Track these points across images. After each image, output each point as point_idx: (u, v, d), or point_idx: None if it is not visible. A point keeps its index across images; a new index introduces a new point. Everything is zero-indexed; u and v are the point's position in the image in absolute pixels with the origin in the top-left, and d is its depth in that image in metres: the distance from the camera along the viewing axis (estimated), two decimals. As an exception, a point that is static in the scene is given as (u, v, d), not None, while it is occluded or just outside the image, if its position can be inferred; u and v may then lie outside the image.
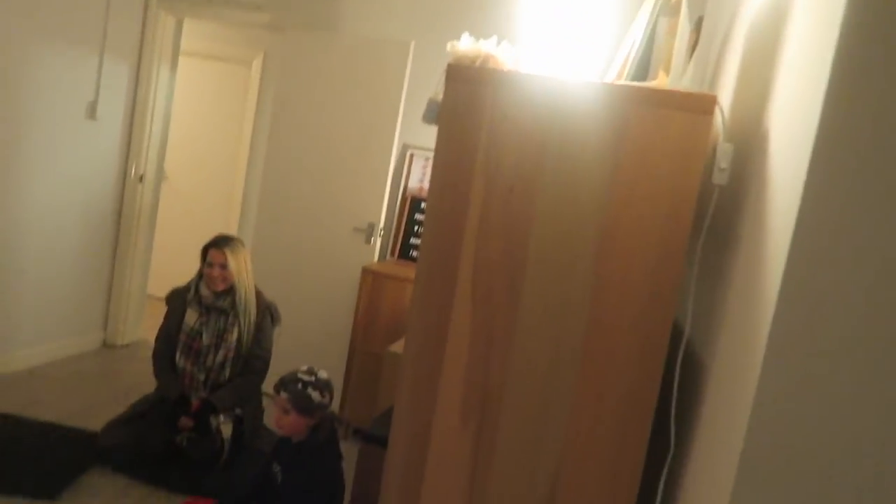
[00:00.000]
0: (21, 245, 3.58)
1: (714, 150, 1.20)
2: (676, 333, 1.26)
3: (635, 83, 1.32)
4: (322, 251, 3.82)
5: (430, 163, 3.84)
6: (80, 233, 3.95)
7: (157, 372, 3.05)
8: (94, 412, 3.27)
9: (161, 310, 3.22)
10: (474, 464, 1.30)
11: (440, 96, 1.28)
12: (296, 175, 3.89)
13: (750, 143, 1.17)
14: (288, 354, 3.44)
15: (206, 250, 3.02)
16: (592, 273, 1.22)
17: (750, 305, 0.99)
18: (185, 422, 2.85)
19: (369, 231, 3.72)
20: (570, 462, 1.26)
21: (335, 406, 2.54)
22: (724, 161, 1.16)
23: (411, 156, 3.94)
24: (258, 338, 3.05)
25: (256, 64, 4.79)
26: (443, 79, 1.27)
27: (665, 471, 1.23)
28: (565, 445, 1.26)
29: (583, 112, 1.21)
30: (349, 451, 2.43)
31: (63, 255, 3.86)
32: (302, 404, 2.25)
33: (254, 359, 3.04)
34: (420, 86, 3.75)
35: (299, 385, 2.27)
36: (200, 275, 3.04)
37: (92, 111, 3.84)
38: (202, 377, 2.99)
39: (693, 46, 1.64)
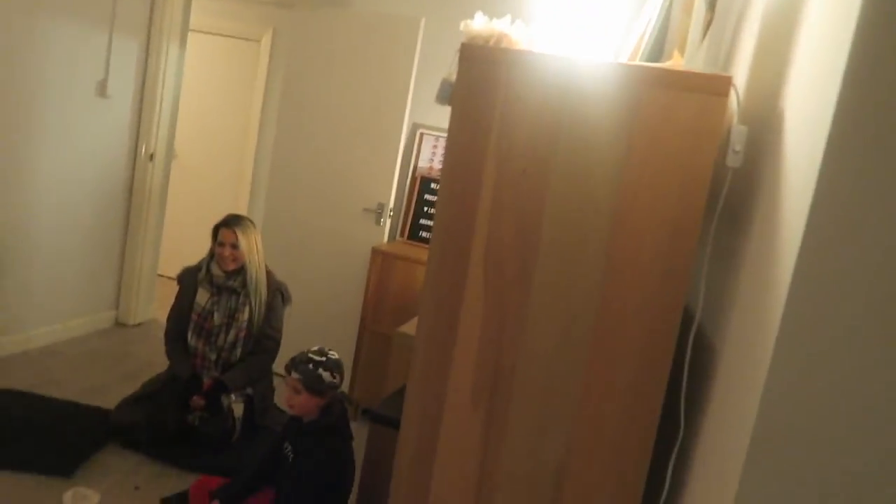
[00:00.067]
0: (33, 225, 3.60)
1: (728, 131, 1.19)
2: (687, 317, 1.26)
3: (649, 63, 1.31)
4: (332, 231, 3.82)
5: (441, 143, 3.84)
6: (91, 212, 3.97)
7: (169, 351, 3.08)
8: (106, 391, 3.31)
9: (171, 289, 3.24)
10: (485, 444, 1.31)
11: (453, 76, 1.28)
12: (305, 154, 3.89)
13: (765, 125, 1.16)
14: (298, 334, 3.46)
15: (216, 230, 3.03)
16: (604, 255, 1.22)
17: (762, 289, 0.98)
18: (197, 401, 2.88)
19: (379, 211, 3.72)
20: (580, 443, 1.27)
21: (345, 386, 2.56)
22: (738, 143, 1.15)
23: (421, 135, 3.92)
24: (269, 317, 3.07)
25: (266, 41, 4.76)
26: (456, 59, 1.26)
27: (674, 453, 1.24)
28: (575, 427, 1.27)
29: (596, 93, 1.20)
30: (359, 431, 2.45)
31: (75, 234, 3.88)
32: (313, 384, 2.27)
33: (265, 338, 3.06)
34: (431, 65, 3.72)
35: (310, 365, 2.29)
36: (212, 254, 3.05)
37: (102, 89, 3.84)
38: (213, 357, 3.01)
39: (707, 25, 1.62)
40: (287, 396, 2.32)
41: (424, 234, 3.85)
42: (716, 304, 1.27)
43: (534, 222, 1.25)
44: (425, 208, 3.87)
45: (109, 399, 3.15)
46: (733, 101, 1.18)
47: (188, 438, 2.86)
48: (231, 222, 3.02)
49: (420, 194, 3.89)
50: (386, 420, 2.36)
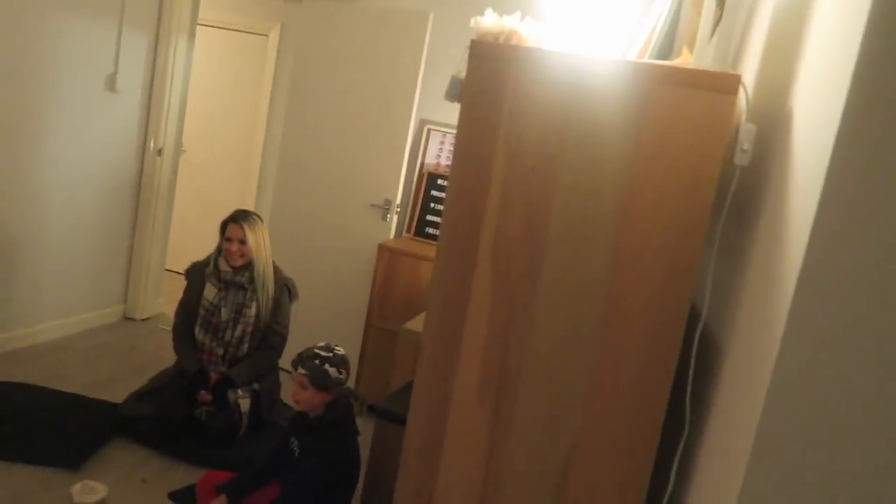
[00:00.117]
0: (42, 219, 3.62)
1: (736, 130, 1.19)
2: (694, 314, 1.26)
3: (659, 61, 1.31)
4: (339, 227, 3.83)
5: (448, 139, 3.85)
6: (100, 207, 3.99)
7: (177, 346, 3.10)
8: (114, 384, 3.34)
9: (179, 283, 3.26)
10: (491, 440, 1.32)
11: (463, 73, 1.28)
12: (313, 149, 3.90)
13: (773, 124, 1.16)
14: (304, 330, 3.47)
15: (224, 225, 3.04)
16: (611, 252, 1.22)
17: (769, 287, 0.99)
18: (204, 395, 2.90)
19: (386, 207, 3.73)
20: (586, 440, 1.28)
21: (350, 382, 2.57)
22: (746, 142, 1.15)
23: (429, 131, 3.93)
24: (276, 313, 3.08)
25: (274, 35, 4.77)
26: (466, 56, 1.27)
27: (680, 449, 1.24)
28: (581, 423, 1.27)
29: (605, 90, 1.20)
30: (364, 427, 2.47)
31: (83, 228, 3.90)
32: (319, 380, 2.28)
33: (271, 334, 3.07)
34: (439, 60, 3.73)
35: (316, 361, 2.29)
36: (219, 249, 3.07)
37: (111, 84, 3.86)
38: (221, 352, 3.03)
39: (717, 22, 1.62)
40: (293, 392, 2.33)
41: (431, 230, 3.86)
42: (722, 302, 1.27)
43: (542, 219, 1.25)
44: (432, 204, 3.88)
45: (117, 393, 3.18)
46: (742, 100, 1.18)
47: (195, 432, 2.88)
48: (239, 218, 3.03)
49: (427, 190, 3.89)
50: (391, 416, 2.37)
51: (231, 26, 5.05)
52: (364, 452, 2.43)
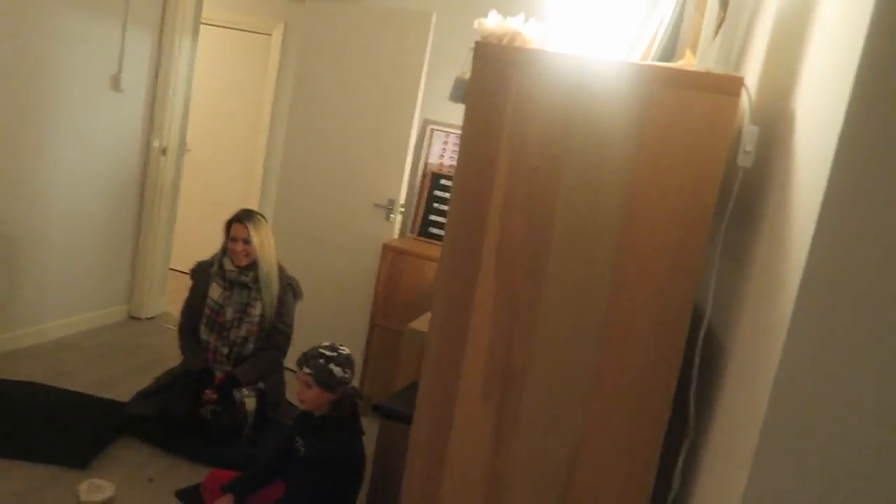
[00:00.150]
0: (47, 218, 3.64)
1: (739, 131, 1.19)
2: (697, 315, 1.27)
3: (661, 63, 1.32)
4: (342, 227, 3.84)
5: (451, 139, 3.85)
6: (104, 206, 4.01)
7: (182, 345, 3.12)
8: (119, 383, 3.35)
9: (183, 283, 3.27)
10: (496, 440, 1.33)
11: (467, 74, 1.29)
12: (316, 148, 3.91)
13: (776, 125, 1.17)
14: (308, 330, 3.48)
15: (229, 225, 3.06)
16: (615, 253, 1.23)
17: (772, 287, 0.99)
18: (209, 394, 2.91)
19: (389, 207, 3.74)
20: (590, 439, 1.28)
21: (355, 382, 2.58)
22: (749, 143, 1.16)
23: (432, 131, 3.94)
24: (280, 312, 3.10)
25: (277, 34, 4.78)
26: (470, 57, 1.28)
27: (684, 450, 1.25)
28: (585, 422, 1.28)
29: (608, 92, 1.21)
30: (369, 426, 2.48)
31: (88, 227, 3.92)
32: (324, 379, 2.29)
33: (276, 333, 3.09)
34: (442, 60, 3.73)
35: (321, 360, 2.31)
36: (224, 249, 3.08)
37: (116, 83, 3.87)
38: (226, 351, 3.05)
39: (720, 24, 1.62)
40: (298, 391, 2.35)
41: (434, 230, 3.86)
42: (726, 303, 1.28)
43: (545, 219, 1.26)
44: (435, 204, 3.88)
45: (122, 391, 3.19)
46: (745, 101, 1.18)
47: (200, 431, 2.89)
48: (243, 218, 3.05)
49: (431, 190, 3.90)
50: (396, 415, 2.38)
51: (234, 25, 5.06)
52: (369, 451, 2.44)
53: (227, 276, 3.05)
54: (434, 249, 3.64)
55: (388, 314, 3.61)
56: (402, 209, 3.81)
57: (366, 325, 3.70)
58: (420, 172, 3.95)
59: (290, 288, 3.15)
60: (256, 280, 3.04)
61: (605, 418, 1.27)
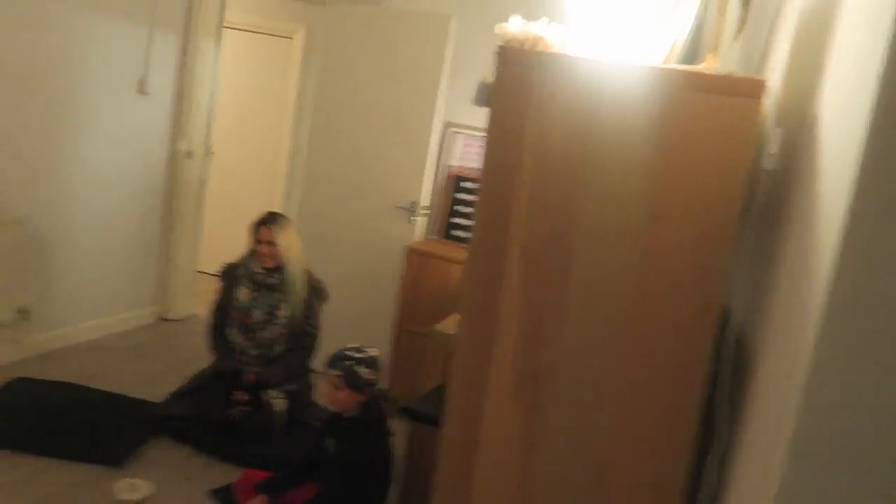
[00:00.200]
0: (77, 221, 3.72)
1: (764, 133, 1.20)
2: (725, 317, 1.27)
3: (684, 67, 1.32)
4: (366, 229, 3.88)
5: (472, 141, 3.87)
6: (133, 208, 4.09)
7: (212, 347, 3.17)
8: (151, 383, 3.42)
9: (211, 285, 3.33)
10: (526, 441, 1.35)
11: (490, 78, 1.31)
12: (339, 151, 3.94)
13: (801, 127, 1.17)
14: (334, 331, 3.51)
15: (255, 228, 3.10)
16: (640, 255, 1.24)
17: (801, 289, 1.00)
18: (240, 396, 2.97)
19: (412, 209, 3.77)
20: (621, 442, 1.29)
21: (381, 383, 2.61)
22: (773, 145, 1.16)
23: (453, 134, 3.95)
24: (307, 314, 3.14)
25: (299, 37, 4.83)
26: (494, 61, 1.30)
27: (715, 451, 1.25)
28: (616, 423, 1.29)
29: (631, 95, 1.22)
30: (398, 428, 2.50)
31: (117, 230, 4.00)
32: (352, 381, 2.33)
33: (303, 335, 3.13)
34: (462, 63, 3.75)
35: (349, 362, 2.34)
36: (251, 251, 3.13)
37: (142, 87, 3.93)
38: (254, 352, 3.10)
39: (741, 26, 1.62)
40: (327, 392, 2.38)
41: (457, 232, 3.88)
42: (754, 305, 1.28)
43: (570, 222, 1.28)
44: (457, 206, 3.90)
45: (154, 391, 3.26)
46: (768, 104, 1.19)
47: (232, 432, 2.95)
48: (269, 220, 3.09)
49: (452, 192, 3.92)
50: (423, 417, 2.41)
51: (256, 29, 5.12)
52: (399, 453, 2.47)
53: (254, 278, 3.10)
54: (457, 251, 3.66)
55: (413, 316, 3.64)
56: (424, 211, 3.84)
57: (391, 328, 3.73)
58: (442, 174, 3.97)
59: (316, 290, 3.19)
60: (283, 282, 3.09)
61: (636, 419, 1.28)
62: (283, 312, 3.09)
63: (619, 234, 1.26)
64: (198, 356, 3.60)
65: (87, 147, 3.68)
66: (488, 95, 1.35)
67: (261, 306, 3.10)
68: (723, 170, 1.18)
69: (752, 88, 1.16)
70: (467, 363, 1.40)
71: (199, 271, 4.67)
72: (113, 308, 4.08)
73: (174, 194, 4.34)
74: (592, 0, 1.53)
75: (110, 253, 3.98)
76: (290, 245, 3.09)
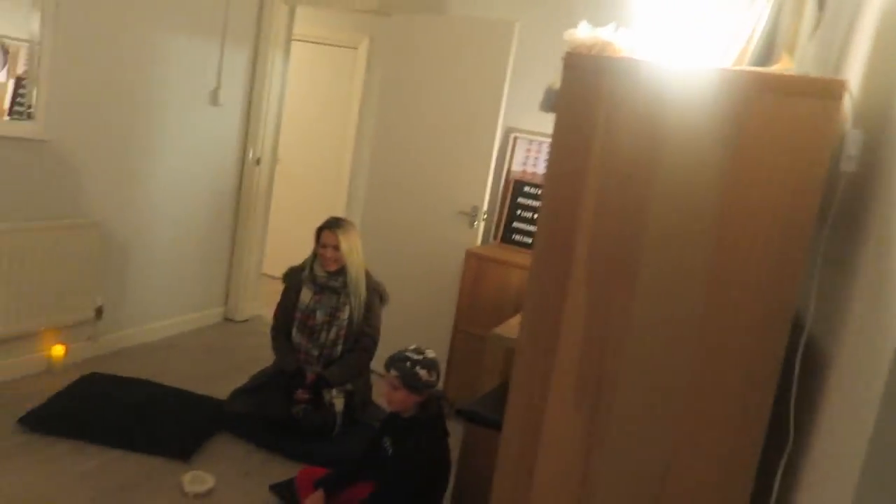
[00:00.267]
0: (154, 226, 3.90)
1: (842, 136, 1.16)
2: (798, 324, 1.24)
3: (757, 69, 1.30)
4: (427, 234, 3.92)
5: (534, 146, 3.87)
6: (204, 214, 4.25)
7: (275, 346, 3.26)
8: (217, 381, 3.54)
9: (275, 287, 3.42)
10: (587, 447, 1.34)
11: (558, 84, 1.31)
12: (402, 158, 4.00)
13: (881, 129, 1.13)
14: (394, 333, 3.56)
15: (319, 232, 3.18)
16: (711, 259, 1.22)
17: (880, 297, 0.97)
18: (301, 394, 3.04)
19: (473, 214, 3.79)
20: (684, 449, 1.27)
21: (439, 385, 2.63)
22: (852, 148, 1.13)
23: (515, 139, 3.96)
24: (367, 316, 3.19)
25: (363, 48, 4.93)
26: (560, 67, 1.30)
27: (783, 461, 1.22)
28: (679, 431, 1.27)
29: (702, 99, 1.21)
30: (453, 429, 2.52)
31: (189, 234, 4.17)
32: (410, 381, 2.35)
33: (363, 336, 3.18)
34: (525, 68, 3.75)
35: (408, 363, 2.37)
36: (315, 255, 3.20)
37: (214, 98, 4.11)
38: (316, 353, 3.17)
39: (817, 25, 1.58)
40: (386, 393, 2.42)
41: (517, 237, 3.88)
42: (828, 312, 1.24)
43: (638, 226, 1.27)
44: (518, 211, 3.90)
45: (219, 389, 3.37)
46: (847, 105, 1.15)
47: (293, 429, 3.02)
48: (333, 225, 3.16)
49: (513, 197, 3.92)
50: (481, 419, 2.41)
51: (322, 40, 5.25)
52: (454, 454, 2.48)
53: (317, 280, 3.18)
54: (517, 255, 3.66)
55: (472, 319, 3.65)
56: (486, 216, 3.85)
57: (449, 330, 3.75)
58: (503, 180, 3.98)
59: (376, 293, 3.24)
60: (345, 285, 3.15)
61: (701, 427, 1.26)
62: (344, 314, 3.15)
63: (688, 238, 1.24)
64: (260, 356, 3.70)
65: (162, 156, 3.86)
66: (556, 101, 1.36)
67: (323, 308, 3.17)
68: (799, 173, 1.15)
69: (832, 89, 1.13)
70: (530, 366, 1.40)
71: (265, 274, 4.80)
72: (182, 309, 4.24)
73: (242, 200, 4.49)
74: (661, 4, 1.51)
75: (181, 256, 4.15)
76: (353, 249, 3.15)
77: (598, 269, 1.30)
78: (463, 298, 3.68)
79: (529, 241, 3.84)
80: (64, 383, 3.21)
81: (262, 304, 4.69)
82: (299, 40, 5.12)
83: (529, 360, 1.40)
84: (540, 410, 1.39)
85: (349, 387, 3.14)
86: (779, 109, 1.15)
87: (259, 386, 3.21)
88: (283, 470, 2.82)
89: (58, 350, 3.39)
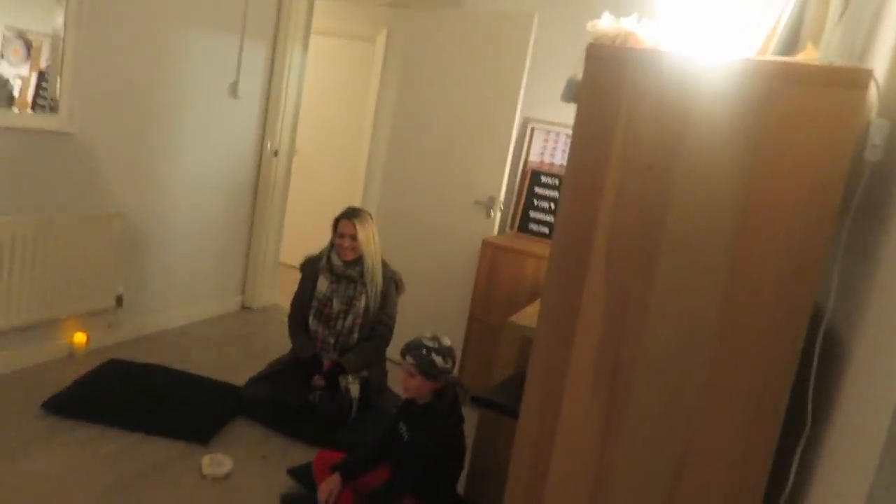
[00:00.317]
0: (174, 214, 3.94)
1: (867, 124, 1.15)
2: (818, 313, 1.24)
3: (781, 58, 1.29)
4: (443, 223, 3.93)
5: (552, 136, 3.86)
6: (223, 204, 4.29)
7: (292, 334, 3.30)
8: (235, 368, 3.59)
9: (292, 276, 3.45)
10: (604, 435, 1.35)
11: (579, 75, 1.31)
12: (419, 148, 4.01)
13: (907, 119, 1.12)
14: (410, 322, 3.58)
15: (336, 222, 3.20)
16: (731, 250, 1.22)
17: (903, 287, 0.96)
18: (318, 380, 3.08)
19: (489, 204, 3.79)
20: (701, 438, 1.28)
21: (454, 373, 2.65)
22: (877, 137, 1.12)
23: (532, 129, 3.95)
24: (384, 305, 3.22)
25: (380, 40, 4.93)
26: (582, 58, 1.30)
27: (799, 450, 1.22)
28: (697, 420, 1.28)
29: (725, 90, 1.20)
30: (468, 417, 2.54)
31: (208, 223, 4.22)
32: (426, 368, 2.38)
33: (379, 324, 3.21)
34: (543, 59, 3.74)
35: (423, 350, 2.39)
36: (332, 245, 3.23)
37: (234, 90, 4.14)
38: (332, 340, 3.20)
39: (841, 14, 1.56)
40: (402, 379, 2.44)
41: (534, 226, 3.88)
42: (849, 302, 1.24)
43: (658, 217, 1.27)
44: (535, 201, 3.90)
45: (238, 375, 3.41)
46: (873, 94, 1.15)
47: (310, 415, 3.06)
48: (350, 215, 3.18)
49: (531, 187, 3.92)
50: (496, 406, 2.43)
51: (339, 33, 5.26)
52: (468, 440, 2.50)
53: (334, 269, 3.20)
54: (534, 245, 3.66)
55: (487, 308, 3.67)
56: (503, 206, 3.85)
57: (465, 319, 3.77)
58: (520, 169, 3.98)
59: (393, 282, 3.27)
60: (362, 274, 3.17)
61: (717, 417, 1.26)
62: (361, 303, 3.18)
63: (708, 231, 1.24)
64: (277, 343, 3.74)
65: (182, 147, 3.90)
66: (577, 92, 1.35)
67: (339, 297, 3.20)
68: (822, 163, 1.15)
69: (858, 78, 1.12)
70: (547, 354, 1.41)
71: (282, 263, 4.84)
72: (200, 297, 4.29)
73: (260, 191, 4.52)
74: (683, -7, 1.51)
75: (200, 245, 4.19)
76: (369, 238, 3.17)
77: (617, 261, 1.31)
78: (479, 287, 3.70)
79: (546, 230, 3.84)
80: (85, 369, 3.27)
81: (280, 292, 4.73)
82: (318, 33, 5.14)
83: (547, 349, 1.41)
84: (557, 400, 1.40)
85: (365, 374, 3.17)
86: (803, 100, 1.15)
87: (276, 373, 3.25)
88: (300, 454, 2.85)
89: (79, 337, 3.44)
